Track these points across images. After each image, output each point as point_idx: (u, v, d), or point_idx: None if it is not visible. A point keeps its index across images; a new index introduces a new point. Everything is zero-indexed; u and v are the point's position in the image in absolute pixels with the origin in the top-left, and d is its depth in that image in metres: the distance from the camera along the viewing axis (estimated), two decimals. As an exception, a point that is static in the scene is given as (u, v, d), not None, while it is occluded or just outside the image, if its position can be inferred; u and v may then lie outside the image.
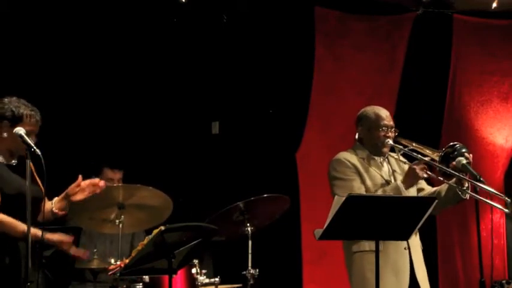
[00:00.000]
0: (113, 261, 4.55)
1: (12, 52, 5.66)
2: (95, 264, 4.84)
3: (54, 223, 4.10)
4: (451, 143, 4.33)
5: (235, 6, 6.29)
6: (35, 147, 3.74)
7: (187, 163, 6.27)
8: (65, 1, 5.83)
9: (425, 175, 4.32)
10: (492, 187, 4.68)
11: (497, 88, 6.90)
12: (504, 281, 6.55)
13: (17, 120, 3.87)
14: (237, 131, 6.48)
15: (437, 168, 4.30)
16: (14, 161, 3.98)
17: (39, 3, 5.76)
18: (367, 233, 3.80)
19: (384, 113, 4.48)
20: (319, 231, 3.75)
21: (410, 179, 4.30)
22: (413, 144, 4.41)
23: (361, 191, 4.32)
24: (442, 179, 4.35)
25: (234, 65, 6.37)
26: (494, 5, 6.58)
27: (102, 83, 6.06)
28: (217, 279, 4.84)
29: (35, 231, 3.73)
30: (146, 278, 4.64)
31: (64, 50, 5.88)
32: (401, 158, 4.52)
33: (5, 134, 3.87)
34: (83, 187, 4.03)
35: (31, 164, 3.92)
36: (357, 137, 4.52)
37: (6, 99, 3.94)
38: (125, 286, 4.72)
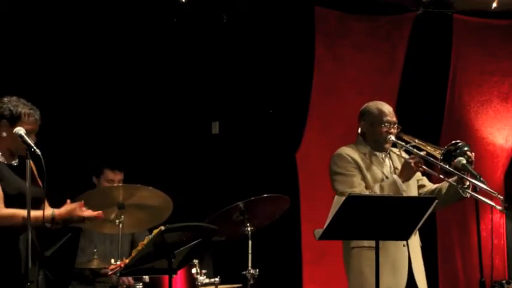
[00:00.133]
0: (113, 261, 4.54)
1: (12, 52, 5.65)
2: (95, 264, 4.84)
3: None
4: (454, 141, 4.33)
5: (235, 6, 6.29)
6: (35, 147, 3.74)
7: (187, 163, 6.27)
8: (65, 1, 5.83)
9: (420, 169, 4.32)
10: (492, 187, 4.69)
11: (497, 88, 6.90)
12: (504, 281, 6.55)
13: (15, 119, 3.87)
14: (237, 131, 6.48)
15: (438, 166, 4.30)
16: (15, 162, 3.98)
17: (39, 3, 5.76)
18: (367, 233, 3.80)
19: (387, 108, 4.48)
20: (319, 231, 3.76)
21: (406, 172, 4.30)
22: (416, 141, 4.40)
23: (362, 187, 4.33)
24: (442, 177, 4.35)
25: (234, 65, 6.36)
26: (494, 5, 6.57)
27: (102, 83, 6.05)
28: (217, 279, 4.85)
29: (36, 214, 3.70)
30: (146, 278, 4.64)
31: (64, 50, 5.87)
32: (404, 154, 4.51)
33: (4, 134, 3.87)
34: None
35: (32, 164, 3.93)
36: (359, 131, 4.51)
37: (5, 99, 3.94)
38: (125, 286, 4.72)
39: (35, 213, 3.70)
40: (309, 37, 6.52)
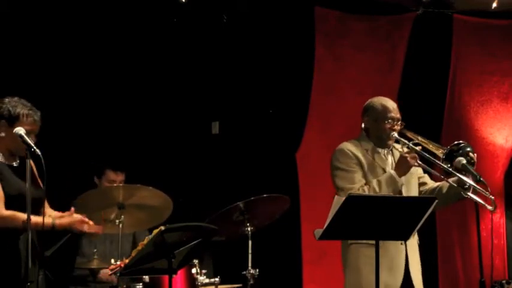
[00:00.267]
0: (112, 261, 4.54)
1: (12, 52, 5.65)
2: (95, 264, 4.84)
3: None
4: (457, 142, 4.32)
5: (235, 6, 6.29)
6: (34, 147, 3.74)
7: (187, 163, 6.27)
8: (65, 1, 5.82)
9: (416, 164, 4.31)
10: (492, 187, 4.68)
11: (497, 88, 6.90)
12: (504, 281, 6.55)
13: (13, 119, 3.88)
14: (237, 131, 6.48)
15: (439, 166, 4.30)
16: (16, 162, 3.98)
17: (39, 3, 5.76)
18: (367, 233, 3.80)
19: (391, 105, 4.46)
20: (319, 231, 3.76)
21: (402, 167, 4.30)
22: (419, 138, 4.39)
23: (362, 183, 4.32)
24: (443, 176, 4.35)
25: (234, 65, 6.36)
26: (494, 5, 6.57)
27: (102, 83, 6.05)
28: (217, 279, 4.84)
29: (36, 220, 3.71)
30: (146, 278, 4.64)
31: (64, 50, 5.87)
32: (406, 151, 4.50)
33: (2, 134, 3.87)
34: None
35: (33, 165, 3.93)
36: (362, 127, 4.50)
37: (6, 99, 3.95)
38: (125, 286, 4.72)
39: (36, 219, 3.71)
40: (309, 37, 6.52)
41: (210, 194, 6.09)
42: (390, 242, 4.22)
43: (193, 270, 4.74)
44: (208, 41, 6.28)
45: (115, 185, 5.26)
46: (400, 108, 4.56)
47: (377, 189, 4.25)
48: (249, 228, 4.73)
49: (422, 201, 3.98)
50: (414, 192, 4.47)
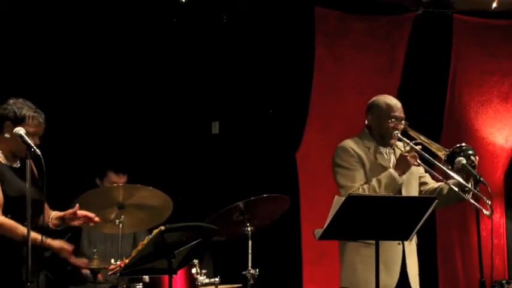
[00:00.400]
0: (112, 261, 4.55)
1: (12, 52, 5.65)
2: (95, 264, 4.84)
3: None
4: (459, 145, 4.30)
5: (235, 6, 6.29)
6: (34, 147, 3.75)
7: (187, 163, 6.27)
8: (65, 1, 5.82)
9: (415, 163, 4.31)
10: (492, 187, 4.67)
11: (497, 88, 6.90)
12: (504, 281, 6.55)
13: (19, 121, 3.89)
14: (237, 131, 6.48)
15: (439, 168, 4.30)
16: (17, 164, 3.99)
17: (39, 3, 5.76)
18: (367, 233, 3.80)
19: (396, 103, 4.45)
20: (319, 231, 3.76)
21: (401, 166, 4.29)
22: (421, 138, 4.38)
23: (362, 182, 4.31)
24: (441, 178, 4.35)
25: (234, 65, 6.36)
26: (494, 5, 6.57)
27: (103, 83, 6.05)
28: (217, 279, 4.84)
29: (35, 236, 3.73)
30: (146, 278, 4.64)
31: (65, 50, 5.87)
32: (406, 150, 4.49)
33: (7, 135, 3.88)
34: (79, 216, 4.04)
35: (33, 166, 3.94)
36: (366, 124, 4.50)
37: (11, 101, 3.96)
38: (125, 286, 4.72)
39: (35, 236, 3.73)
40: (309, 37, 6.52)
41: (210, 194, 6.09)
42: (387, 242, 4.21)
43: (193, 270, 4.74)
44: (208, 41, 6.28)
45: (115, 185, 5.26)
46: (400, 108, 4.55)
47: (377, 188, 4.24)
48: (249, 228, 4.73)
49: (422, 201, 3.97)
50: (414, 192, 4.46)
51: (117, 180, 5.46)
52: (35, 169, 4.01)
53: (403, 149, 4.45)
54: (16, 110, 3.91)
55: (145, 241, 3.94)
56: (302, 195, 6.45)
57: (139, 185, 4.62)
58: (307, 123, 6.53)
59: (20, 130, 3.82)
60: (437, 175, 4.40)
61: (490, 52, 6.86)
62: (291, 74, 6.47)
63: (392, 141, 4.44)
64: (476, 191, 4.22)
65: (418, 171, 4.49)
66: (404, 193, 4.35)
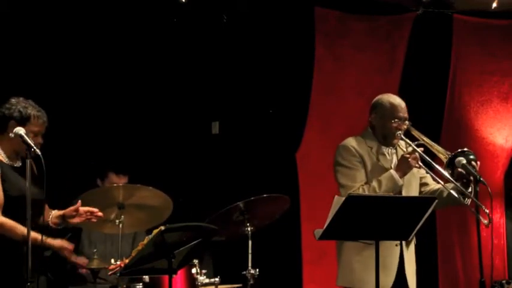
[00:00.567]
0: (112, 261, 4.55)
1: (12, 52, 5.65)
2: (95, 264, 4.84)
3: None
4: (461, 149, 4.29)
5: (235, 6, 6.29)
6: (34, 147, 3.75)
7: (187, 163, 6.27)
8: (65, 1, 5.82)
9: (417, 165, 4.30)
10: (492, 187, 4.66)
11: (497, 88, 6.90)
12: (504, 281, 6.55)
13: (24, 120, 3.89)
14: (237, 131, 6.48)
15: (439, 172, 4.30)
16: (18, 163, 3.99)
17: (39, 3, 5.76)
18: (367, 233, 3.80)
19: (399, 103, 4.43)
20: (319, 231, 3.76)
21: (402, 167, 4.29)
22: (424, 139, 4.38)
23: (363, 182, 4.31)
24: (442, 183, 4.34)
25: (234, 65, 6.36)
26: (494, 5, 6.57)
27: (103, 83, 6.05)
28: (217, 279, 4.84)
29: (35, 236, 3.73)
30: (146, 278, 4.64)
31: (65, 50, 5.87)
32: (408, 152, 4.49)
33: (11, 134, 3.88)
34: (81, 212, 4.04)
35: (34, 166, 3.94)
36: (369, 123, 4.49)
37: (13, 100, 3.96)
38: (125, 286, 4.72)
39: (35, 235, 3.72)
40: (309, 37, 6.52)
41: (210, 194, 6.09)
42: (384, 241, 4.21)
43: (193, 270, 4.74)
44: (208, 41, 6.28)
45: (115, 184, 5.26)
46: (401, 108, 4.54)
47: (377, 188, 4.24)
48: (249, 228, 4.73)
49: (422, 201, 3.97)
50: (414, 193, 4.45)
51: (117, 181, 5.46)
52: (35, 169, 4.01)
53: (405, 148, 4.44)
54: (21, 109, 3.91)
55: (145, 241, 3.94)
56: (302, 195, 6.45)
57: (139, 185, 4.62)
58: (307, 123, 6.53)
59: (20, 130, 3.82)
60: (438, 179, 4.40)
61: (490, 52, 6.86)
62: (291, 74, 6.47)
63: (395, 141, 4.44)
64: (475, 199, 4.20)
65: (419, 171, 4.48)
66: (404, 193, 4.35)
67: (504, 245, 6.82)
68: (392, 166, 4.38)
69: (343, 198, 3.64)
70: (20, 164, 3.99)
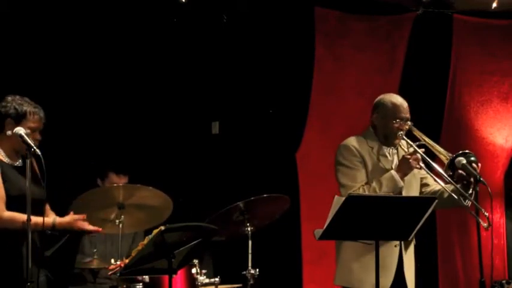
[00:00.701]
0: (113, 261, 4.54)
1: (12, 52, 5.65)
2: (95, 264, 4.84)
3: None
4: (462, 151, 4.28)
5: (235, 6, 6.29)
6: (34, 147, 3.75)
7: (187, 163, 6.27)
8: (65, 1, 5.82)
9: (418, 166, 4.30)
10: (492, 187, 4.66)
11: (497, 88, 6.90)
12: (504, 281, 6.55)
13: (20, 117, 3.90)
14: (237, 131, 6.48)
15: (440, 174, 4.30)
16: (18, 162, 3.99)
17: (39, 3, 5.76)
18: (367, 233, 3.80)
19: (401, 103, 4.42)
20: (319, 231, 3.76)
21: (403, 168, 4.28)
22: (425, 139, 4.37)
23: (363, 182, 4.31)
24: (442, 184, 4.34)
25: (234, 65, 6.36)
26: (494, 5, 6.57)
27: (103, 83, 6.05)
28: (217, 279, 4.84)
29: (36, 220, 3.72)
30: (146, 278, 4.64)
31: (65, 50, 5.87)
32: (409, 152, 4.48)
33: (9, 132, 3.88)
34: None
35: (35, 166, 3.94)
36: (371, 123, 4.48)
37: (9, 98, 3.96)
38: (125, 286, 4.72)
39: (36, 219, 3.72)
40: (309, 37, 6.52)
41: (210, 194, 6.09)
42: (383, 242, 4.20)
43: (193, 270, 4.74)
44: (208, 41, 6.28)
45: (115, 184, 5.26)
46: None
47: (377, 189, 4.24)
48: (249, 228, 4.73)
49: (422, 201, 3.97)
50: (415, 193, 4.45)
51: (117, 181, 5.46)
52: (36, 168, 4.01)
53: (406, 149, 4.44)
54: (17, 106, 3.91)
55: (145, 241, 3.94)
56: (302, 195, 6.45)
57: (140, 185, 4.62)
58: (307, 123, 6.53)
59: (20, 130, 3.82)
60: (438, 180, 4.39)
61: (490, 52, 6.86)
62: (291, 74, 6.47)
63: (397, 141, 4.43)
64: (475, 202, 4.20)
65: (419, 172, 4.47)
66: (404, 194, 4.33)
67: (504, 245, 6.83)
68: (393, 166, 4.37)
69: (343, 198, 3.64)
70: (21, 163, 3.99)
